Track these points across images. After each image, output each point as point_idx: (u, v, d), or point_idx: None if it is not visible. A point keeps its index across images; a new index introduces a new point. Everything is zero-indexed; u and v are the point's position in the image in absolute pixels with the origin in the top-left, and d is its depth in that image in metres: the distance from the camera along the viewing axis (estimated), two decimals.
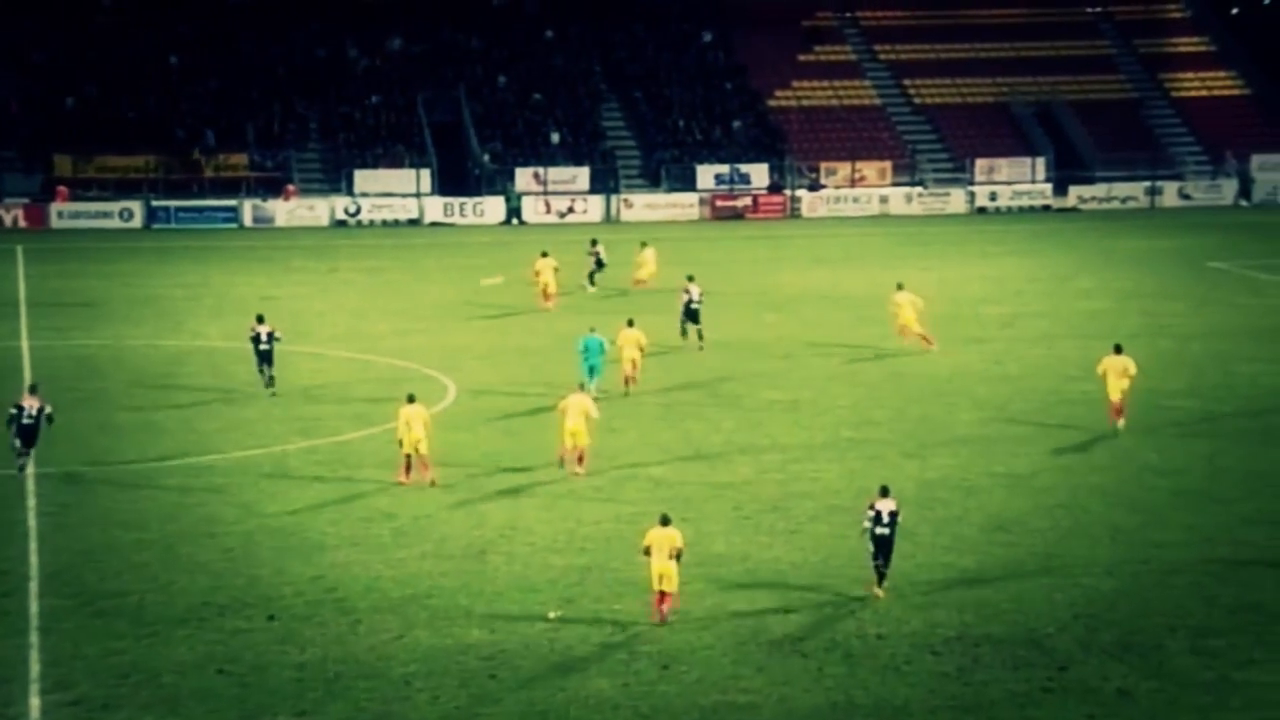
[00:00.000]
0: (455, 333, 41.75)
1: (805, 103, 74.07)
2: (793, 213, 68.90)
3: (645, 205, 68.41)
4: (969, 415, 32.09)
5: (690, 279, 39.02)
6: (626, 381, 33.73)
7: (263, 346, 33.74)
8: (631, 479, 27.83)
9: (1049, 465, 28.18)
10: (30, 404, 26.93)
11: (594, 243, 49.19)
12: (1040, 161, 70.79)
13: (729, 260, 54.99)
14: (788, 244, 59.52)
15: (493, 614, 21.06)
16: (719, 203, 65.89)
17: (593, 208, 68.17)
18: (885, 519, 21.23)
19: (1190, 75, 76.04)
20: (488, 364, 37.58)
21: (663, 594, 20.67)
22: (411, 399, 27.30)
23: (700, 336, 38.60)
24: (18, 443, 26.89)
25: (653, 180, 70.29)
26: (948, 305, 43.42)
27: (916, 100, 74.98)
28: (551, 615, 20.93)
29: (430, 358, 38.04)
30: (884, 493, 21.60)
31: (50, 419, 27.03)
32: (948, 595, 21.66)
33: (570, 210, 67.91)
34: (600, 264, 47.81)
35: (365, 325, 42.05)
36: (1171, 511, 25.34)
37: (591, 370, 32.78)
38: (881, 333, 40.75)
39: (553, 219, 67.38)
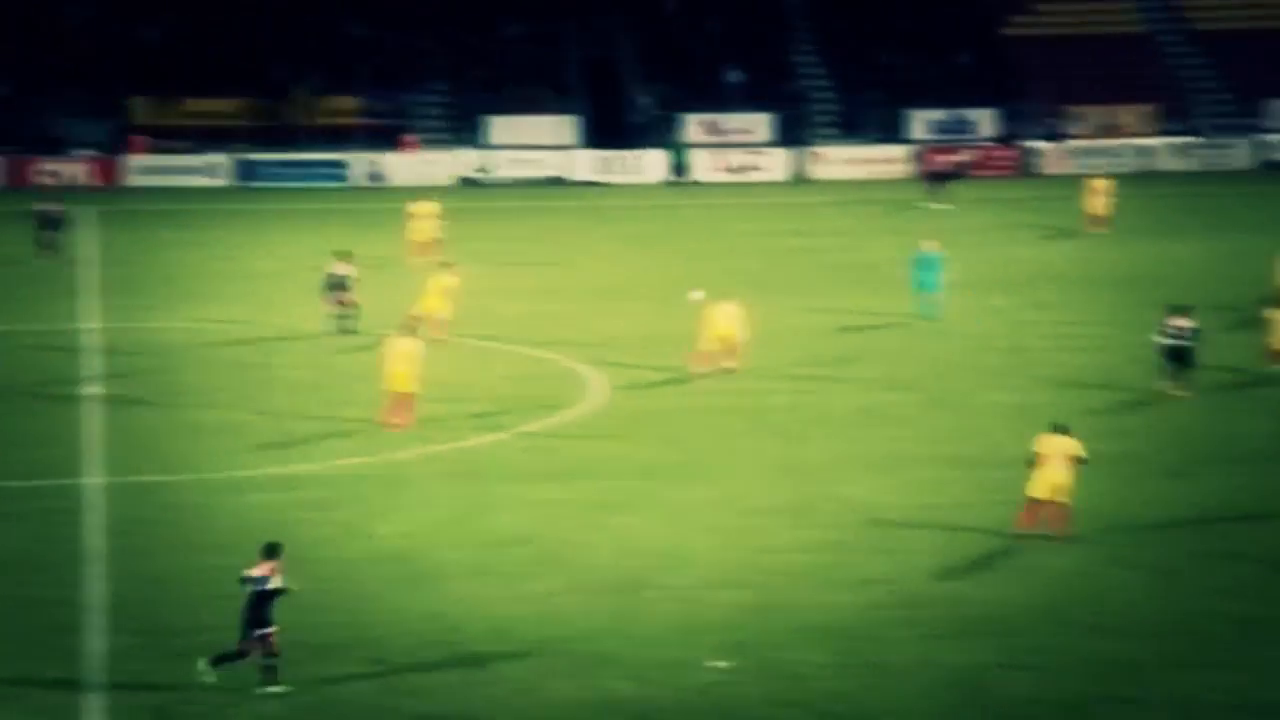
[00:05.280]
0: (607, 317, 42.09)
1: (1049, 31, 73.02)
2: (1027, 169, 67.99)
3: (842, 160, 68.15)
4: (1251, 427, 31.39)
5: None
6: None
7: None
8: (823, 499, 27.87)
9: None
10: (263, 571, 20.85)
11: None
12: None
13: (941, 228, 54.53)
14: (1019, 208, 58.76)
15: (644, 662, 21.27)
16: (933, 157, 65.34)
17: (777, 163, 68.13)
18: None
19: None
20: (646, 355, 37.84)
21: (1042, 503, 24.20)
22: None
23: None
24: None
25: (851, 129, 69.96)
26: (1229, 288, 42.43)
27: (1194, 26, 73.36)
28: (715, 664, 21.04)
29: (576, 348, 38.43)
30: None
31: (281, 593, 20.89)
32: (1222, 651, 21.32)
33: (750, 166, 67.97)
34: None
35: (498, 306, 42.62)
36: None
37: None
38: (1135, 319, 40.04)
39: (728, 176, 67.51)
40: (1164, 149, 67.92)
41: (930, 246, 41.28)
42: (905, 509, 27.29)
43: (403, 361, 31.57)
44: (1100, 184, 53.12)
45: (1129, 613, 22.68)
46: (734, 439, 31.58)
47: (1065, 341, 38.48)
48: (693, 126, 68.91)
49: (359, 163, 67.39)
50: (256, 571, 20.38)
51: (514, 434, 32.02)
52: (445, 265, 40.33)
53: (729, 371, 35.65)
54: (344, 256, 40.85)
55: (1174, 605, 22.91)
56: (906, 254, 42.66)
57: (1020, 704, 20.01)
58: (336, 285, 40.06)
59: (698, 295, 37.59)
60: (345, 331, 39.32)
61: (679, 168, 67.49)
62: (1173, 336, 33.43)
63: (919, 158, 66.64)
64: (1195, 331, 33.38)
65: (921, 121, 69.30)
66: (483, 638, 22.02)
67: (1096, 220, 52.16)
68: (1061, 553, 25.02)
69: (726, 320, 35.88)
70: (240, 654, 20.40)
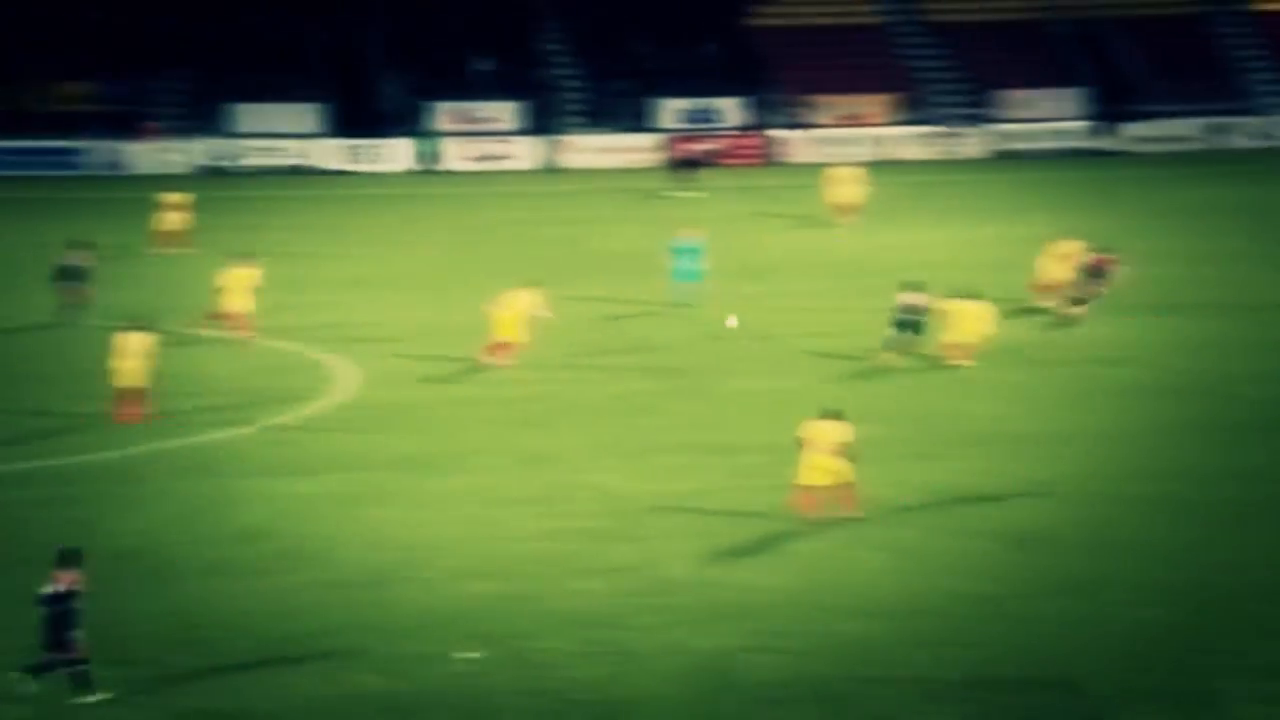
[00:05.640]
0: (355, 308, 41.69)
1: (792, 22, 74.21)
2: (773, 158, 69.01)
3: (592, 148, 68.40)
4: (988, 409, 32.32)
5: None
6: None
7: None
8: (570, 487, 27.95)
9: (1084, 470, 28.42)
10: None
11: None
12: (1079, 93, 71.13)
13: (689, 216, 54.98)
14: (766, 197, 59.64)
15: (393, 655, 21.12)
16: (681, 145, 65.94)
17: (526, 151, 68.11)
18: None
19: None
20: (396, 347, 37.54)
21: (818, 489, 24.73)
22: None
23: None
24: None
25: (600, 118, 70.25)
26: (966, 272, 43.58)
27: (928, 18, 75.22)
28: (464, 655, 20.96)
29: (323, 340, 37.95)
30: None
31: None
32: (959, 628, 21.87)
33: (498, 155, 67.82)
34: None
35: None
36: (1233, 527, 25.63)
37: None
38: (881, 305, 40.92)
39: (478, 165, 67.30)
40: (903, 138, 69.53)
41: (690, 235, 41.70)
42: (656, 496, 27.50)
43: (132, 356, 30.95)
44: (848, 173, 54.09)
45: (871, 594, 23.18)
46: (483, 429, 31.52)
47: (813, 328, 39.12)
48: (442, 115, 68.55)
49: (97, 150, 65.69)
50: (59, 587, 19.56)
51: (258, 428, 31.55)
52: (245, 258, 39.14)
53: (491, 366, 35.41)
54: (79, 246, 39.81)
55: (914, 585, 23.46)
56: (658, 242, 43.05)
57: (767, 686, 20.31)
58: (70, 275, 39.02)
59: (732, 322, 38.13)
60: (74, 323, 38.29)
61: (428, 156, 67.11)
62: (906, 311, 35.32)
63: (668, 146, 67.21)
64: (925, 308, 35.18)
65: (670, 110, 69.91)
66: (224, 635, 21.66)
67: (845, 209, 53.11)
68: (808, 537, 25.45)
69: (518, 310, 35.43)
70: (55, 664, 19.61)
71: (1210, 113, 70.52)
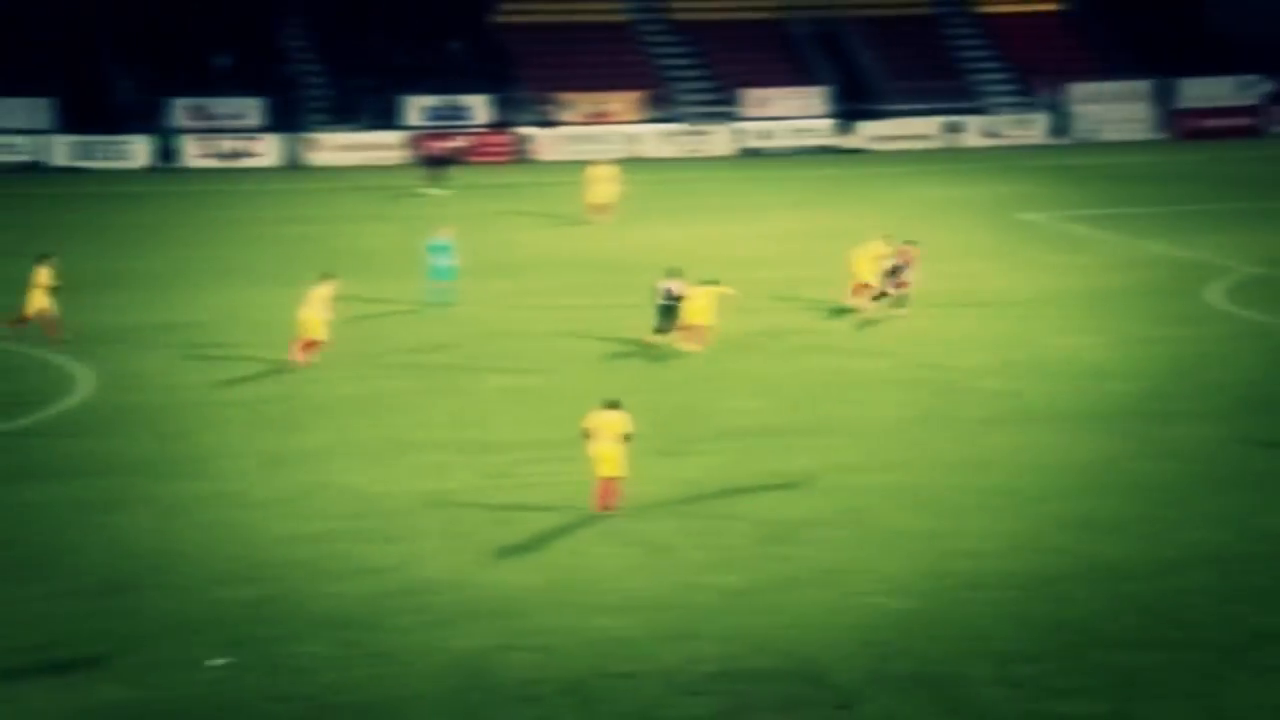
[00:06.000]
0: (90, 309, 40.62)
1: (537, 19, 74.35)
2: (522, 155, 69.09)
3: (337, 146, 67.69)
4: (737, 403, 32.77)
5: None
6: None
7: None
8: (321, 488, 27.66)
9: (832, 462, 28.99)
10: None
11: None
12: (821, 92, 72.52)
13: (439, 214, 54.76)
14: (515, 195, 59.68)
15: (138, 665, 20.71)
16: (429, 143, 65.57)
17: (270, 149, 67.12)
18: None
19: None
20: (134, 349, 36.73)
21: (607, 479, 25.11)
22: None
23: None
24: None
25: (345, 115, 69.54)
26: (712, 270, 44.16)
27: (674, 17, 75.99)
28: (214, 662, 20.63)
29: (57, 342, 36.95)
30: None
31: None
32: (710, 621, 22.14)
33: (241, 153, 66.72)
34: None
35: None
36: (975, 514, 26.37)
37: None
38: (631, 301, 41.25)
39: (219, 163, 66.12)
40: (651, 136, 70.11)
41: (444, 233, 41.59)
42: (407, 496, 27.35)
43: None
44: (605, 171, 54.34)
45: (624, 589, 23.36)
46: (228, 431, 31.01)
47: (566, 325, 39.24)
48: (180, 111, 67.17)
49: None
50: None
51: None
52: (43, 259, 37.62)
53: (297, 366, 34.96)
54: None
55: (665, 580, 23.70)
56: (408, 240, 42.75)
57: (523, 684, 20.35)
58: None
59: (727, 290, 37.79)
60: None
61: (166, 153, 65.69)
62: (665, 297, 36.42)
63: (415, 144, 66.80)
64: (678, 295, 36.50)
65: (416, 107, 69.49)
66: None
67: (602, 207, 53.35)
68: (562, 534, 25.55)
69: (320, 307, 35.13)
70: None
71: (945, 111, 72.47)
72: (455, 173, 60.39)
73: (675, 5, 76.22)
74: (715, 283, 36.90)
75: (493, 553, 24.83)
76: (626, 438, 26.08)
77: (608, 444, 25.99)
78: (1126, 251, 47.86)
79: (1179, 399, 32.76)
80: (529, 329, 38.96)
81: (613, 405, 26.45)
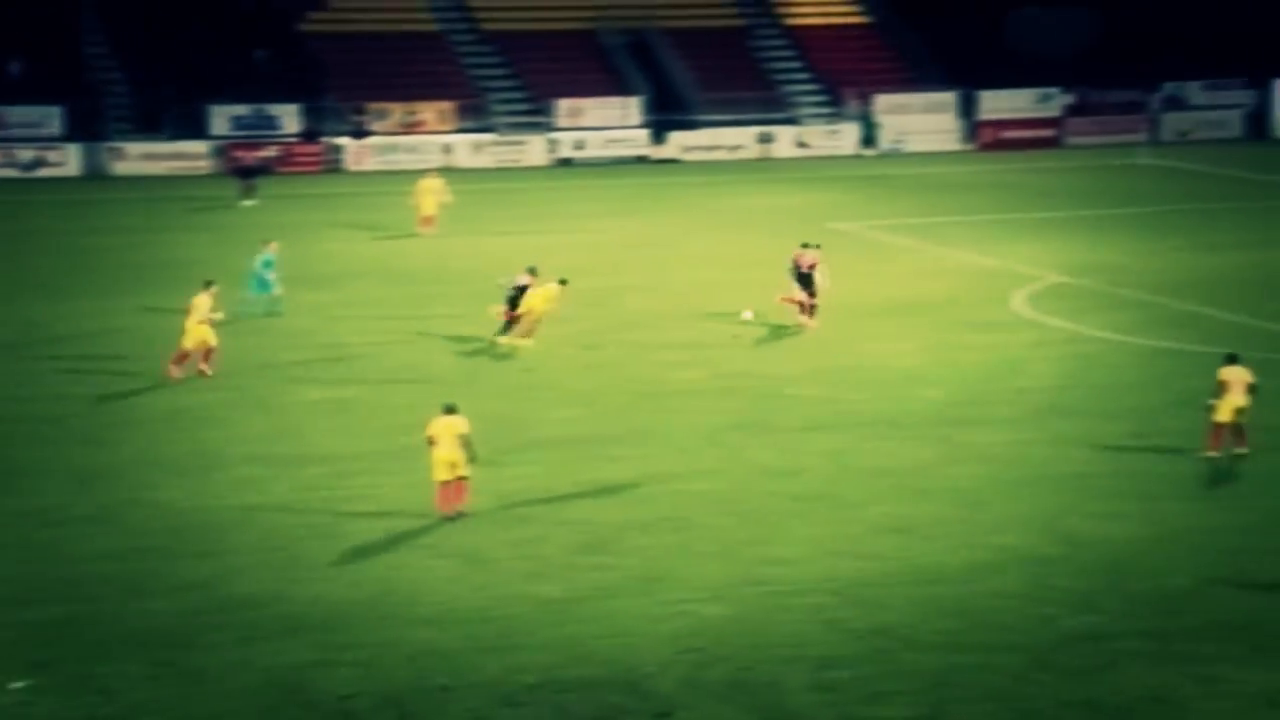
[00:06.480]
0: None
1: (346, 28, 73.74)
2: (333, 165, 68.49)
3: (141, 155, 66.52)
4: (556, 413, 32.79)
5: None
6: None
7: None
8: (133, 504, 27.18)
9: (650, 471, 29.11)
10: None
11: None
12: (634, 102, 72.87)
13: (250, 224, 54.16)
14: (328, 205, 59.14)
15: None
16: (238, 153, 64.70)
17: (71, 159, 65.76)
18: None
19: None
20: None
21: (448, 483, 25.67)
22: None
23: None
24: None
25: (151, 125, 68.33)
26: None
27: (484, 26, 75.85)
28: (14, 685, 20.14)
29: None
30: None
31: None
32: (529, 632, 22.12)
33: (40, 162, 65.29)
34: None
35: None
36: (791, 521, 26.64)
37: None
38: (447, 312, 41.10)
39: (17, 173, 64.64)
40: (464, 146, 69.89)
41: (271, 247, 41.19)
42: (221, 510, 26.96)
43: None
44: (433, 183, 53.89)
45: (443, 601, 23.25)
46: (34, 448, 30.33)
47: (380, 336, 38.98)
48: None
49: None
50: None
51: None
52: None
53: (203, 374, 34.60)
54: None
55: (485, 591, 23.63)
56: (218, 251, 42.11)
57: (340, 700, 20.15)
58: None
59: (748, 315, 38.76)
60: None
61: None
62: (513, 288, 37.73)
63: (224, 154, 65.90)
64: (522, 287, 37.74)
65: (224, 117, 68.57)
66: None
67: (428, 219, 52.97)
68: (378, 547, 25.35)
69: (202, 315, 34.80)
70: None
71: (756, 122, 73.25)
72: (265, 183, 59.67)
73: (486, 15, 76.13)
74: (564, 282, 38.11)
75: (310, 567, 24.56)
76: (463, 439, 26.13)
77: (448, 448, 26.02)
78: (935, 260, 48.73)
79: (988, 404, 33.42)
80: (346, 340, 38.62)
81: (451, 409, 26.55)
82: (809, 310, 39.58)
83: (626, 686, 20.59)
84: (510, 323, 37.77)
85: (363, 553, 25.15)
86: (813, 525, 26.44)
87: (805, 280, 39.63)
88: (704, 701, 20.25)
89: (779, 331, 39.50)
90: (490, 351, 37.61)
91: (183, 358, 34.75)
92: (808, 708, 20.19)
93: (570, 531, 26.02)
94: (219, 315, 35.50)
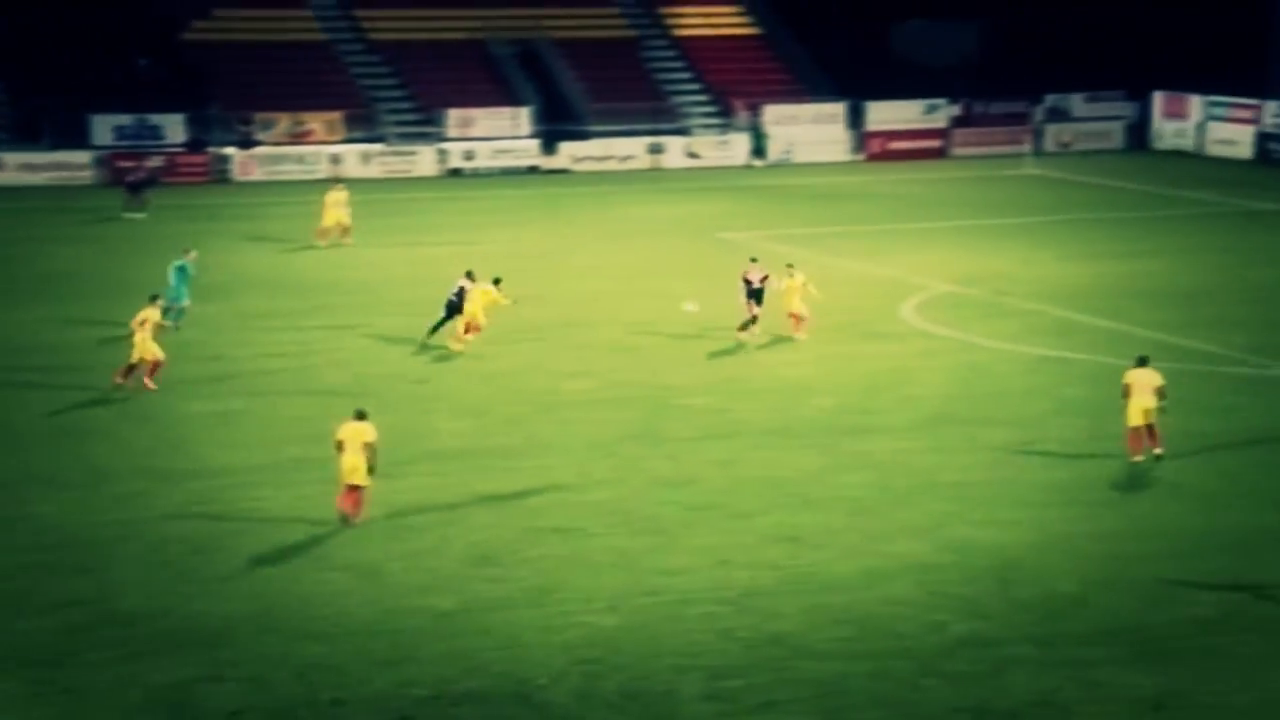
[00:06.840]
0: None
1: (231, 37, 73.06)
2: (219, 176, 67.80)
3: (20, 165, 65.49)
4: (448, 424, 32.60)
5: None
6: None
7: None
8: (12, 520, 26.69)
9: (543, 482, 29.01)
10: None
11: None
12: (524, 112, 72.73)
13: (137, 235, 53.51)
14: (215, 215, 58.52)
15: None
16: (126, 164, 63.83)
17: None
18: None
19: (692, 10, 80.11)
20: None
21: (352, 488, 25.83)
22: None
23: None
24: None
25: (29, 134, 67.27)
26: (420, 289, 43.94)
27: (371, 36, 75.43)
28: None
29: None
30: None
31: None
32: (422, 645, 21.95)
33: None
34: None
35: None
36: (683, 530, 26.63)
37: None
38: (338, 323, 40.79)
39: None
40: (353, 156, 69.42)
41: (187, 255, 40.93)
42: (104, 526, 26.55)
43: None
44: (337, 195, 53.23)
45: (332, 615, 23.01)
46: None
47: (265, 348, 38.60)
48: None
49: None
50: None
51: None
52: None
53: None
54: None
55: (376, 604, 23.42)
56: (101, 262, 41.48)
57: (228, 716, 19.89)
58: None
59: (692, 307, 38.87)
60: None
61: None
62: (456, 294, 38.30)
63: (106, 164, 65.03)
64: (465, 290, 38.22)
65: (106, 127, 67.67)
66: None
67: (328, 230, 52.39)
68: (268, 561, 25.05)
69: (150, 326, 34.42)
70: None
71: (647, 133, 73.36)
72: (149, 194, 58.95)
73: (374, 25, 75.70)
74: (498, 282, 38.66)
75: (197, 581, 24.23)
76: (368, 446, 26.11)
77: (354, 454, 26.09)
78: (825, 270, 48.92)
79: (877, 413, 33.61)
80: (234, 353, 38.20)
81: (361, 415, 26.60)
82: (753, 324, 39.38)
83: (519, 699, 20.48)
84: (468, 329, 38.19)
85: (251, 566, 24.86)
86: (705, 535, 26.44)
87: (757, 295, 39.60)
88: (597, 712, 20.18)
89: (668, 342, 39.53)
90: (381, 363, 37.35)
91: (129, 370, 34.23)
92: (701, 717, 20.18)
93: (463, 543, 25.87)
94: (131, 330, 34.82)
